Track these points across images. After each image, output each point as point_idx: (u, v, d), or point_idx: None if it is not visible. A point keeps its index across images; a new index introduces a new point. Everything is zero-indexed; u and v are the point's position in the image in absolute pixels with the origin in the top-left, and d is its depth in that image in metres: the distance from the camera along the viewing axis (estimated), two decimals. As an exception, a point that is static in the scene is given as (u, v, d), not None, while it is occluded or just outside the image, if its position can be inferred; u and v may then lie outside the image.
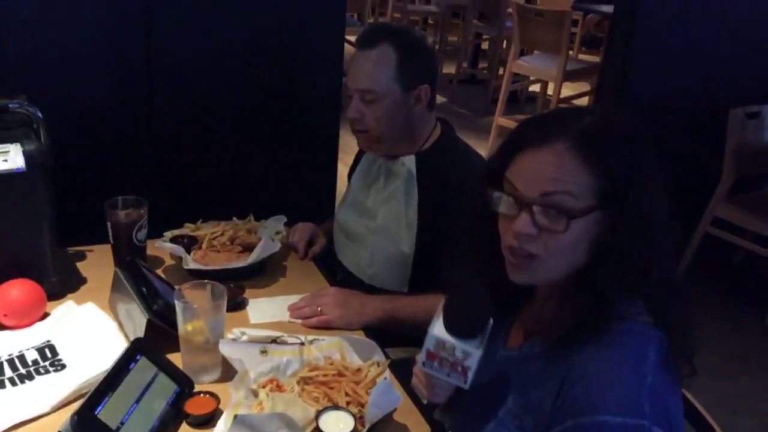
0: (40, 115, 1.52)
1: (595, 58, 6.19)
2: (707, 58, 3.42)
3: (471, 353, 1.01)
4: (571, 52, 5.82)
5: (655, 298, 0.98)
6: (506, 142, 1.05)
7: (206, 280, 1.35)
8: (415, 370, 1.16)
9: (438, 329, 1.03)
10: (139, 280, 1.44)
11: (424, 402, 1.28)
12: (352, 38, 1.86)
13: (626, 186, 0.95)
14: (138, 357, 1.23)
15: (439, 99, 6.34)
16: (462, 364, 1.02)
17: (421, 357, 1.05)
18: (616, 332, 0.95)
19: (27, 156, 1.42)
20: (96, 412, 1.10)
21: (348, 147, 1.85)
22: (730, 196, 3.34)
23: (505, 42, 6.49)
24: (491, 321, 1.05)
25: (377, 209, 1.72)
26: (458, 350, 1.01)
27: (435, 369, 1.04)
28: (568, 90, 5.43)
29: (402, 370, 1.41)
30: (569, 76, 4.78)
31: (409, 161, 1.67)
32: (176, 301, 1.28)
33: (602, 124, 0.99)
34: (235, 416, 1.11)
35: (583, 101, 5.70)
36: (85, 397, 1.12)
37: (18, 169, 1.41)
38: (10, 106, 1.51)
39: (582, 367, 0.93)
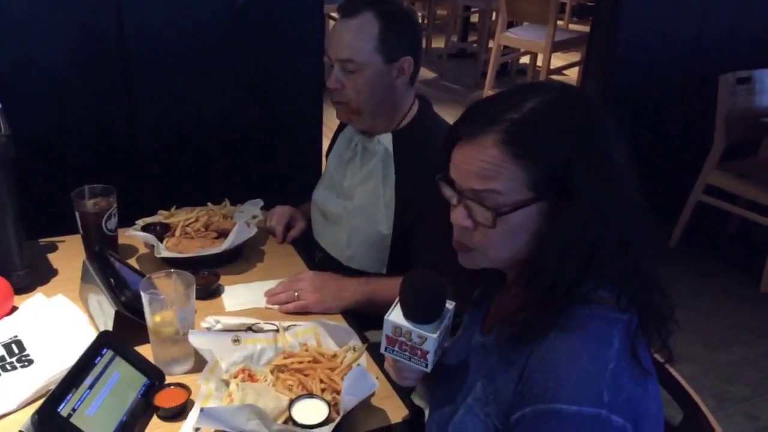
0: (-1, 104, 1.47)
1: (585, 28, 6.10)
2: (696, 24, 3.37)
3: (427, 337, 1.01)
4: (561, 23, 5.75)
5: (618, 283, 0.94)
6: (449, 129, 1.01)
7: (173, 269, 1.31)
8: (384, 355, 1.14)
9: (394, 315, 1.04)
10: (107, 271, 1.40)
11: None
12: (336, 14, 1.81)
13: (565, 176, 0.91)
14: (104, 351, 1.19)
15: (429, 74, 6.28)
16: (420, 348, 1.02)
17: (382, 343, 1.06)
18: (579, 317, 0.92)
19: (-15, 147, 1.37)
20: (58, 410, 1.07)
21: (334, 123, 1.80)
22: (722, 163, 3.30)
23: (494, 14, 6.39)
24: (450, 306, 1.04)
25: (354, 189, 1.68)
26: (414, 335, 1.02)
27: (396, 353, 1.06)
28: (558, 61, 5.37)
29: (382, 354, 1.38)
30: (558, 46, 4.72)
31: (386, 139, 1.63)
32: (142, 292, 1.24)
33: (539, 112, 0.93)
34: (202, 410, 1.07)
35: (574, 72, 5.63)
36: (47, 395, 1.09)
37: (-24, 161, 1.37)
38: (-33, 95, 1.45)
39: (542, 354, 0.91)
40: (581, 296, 0.93)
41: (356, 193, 1.67)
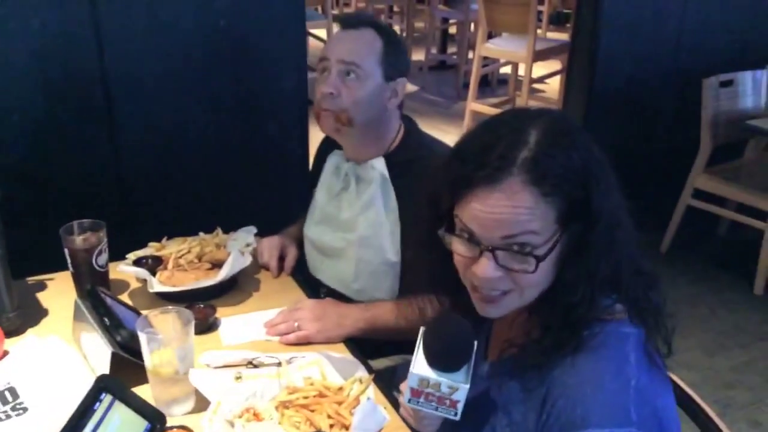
0: (-20, 142, 1.43)
1: (564, 35, 6.14)
2: (677, 27, 3.39)
3: (458, 387, 0.95)
4: (539, 31, 5.77)
5: (628, 293, 0.94)
6: (450, 175, 0.95)
7: (171, 306, 1.27)
8: (401, 402, 1.09)
9: (419, 366, 0.97)
10: (101, 309, 1.35)
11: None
12: (317, 32, 1.77)
13: (584, 199, 0.90)
14: (102, 396, 1.14)
15: (411, 87, 6.27)
16: (449, 398, 0.95)
17: (405, 394, 0.99)
18: (594, 337, 0.91)
19: (-33, 188, 1.33)
20: (58, 462, 1.02)
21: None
22: (709, 166, 3.30)
23: (473, 25, 6.40)
24: (475, 347, 0.98)
25: (355, 220, 1.62)
26: (444, 386, 0.95)
27: (422, 404, 0.98)
28: (540, 69, 5.37)
29: (388, 381, 1.34)
30: (539, 56, 4.72)
31: (379, 164, 1.59)
32: (139, 332, 1.19)
33: (544, 143, 0.90)
34: (209, 455, 1.03)
35: (556, 80, 5.65)
36: (46, 447, 1.04)
37: (-42, 203, 1.32)
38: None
39: (563, 380, 0.89)
40: (598, 314, 0.92)
41: (358, 224, 1.61)
